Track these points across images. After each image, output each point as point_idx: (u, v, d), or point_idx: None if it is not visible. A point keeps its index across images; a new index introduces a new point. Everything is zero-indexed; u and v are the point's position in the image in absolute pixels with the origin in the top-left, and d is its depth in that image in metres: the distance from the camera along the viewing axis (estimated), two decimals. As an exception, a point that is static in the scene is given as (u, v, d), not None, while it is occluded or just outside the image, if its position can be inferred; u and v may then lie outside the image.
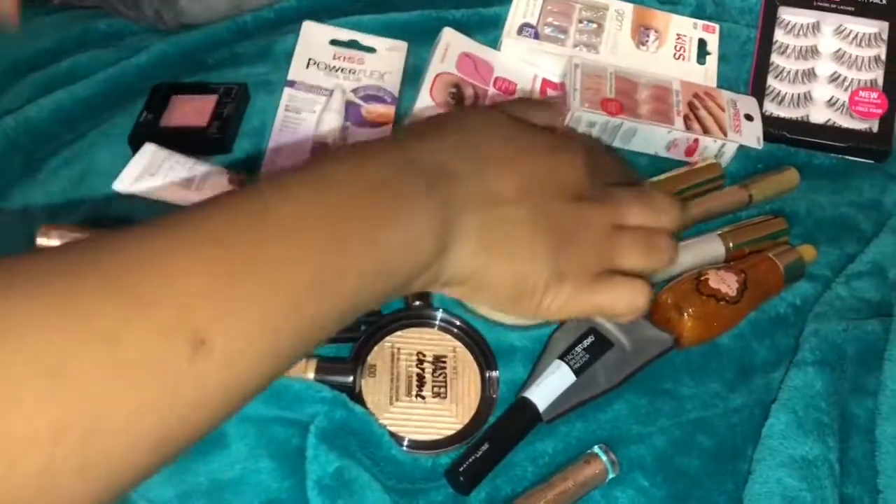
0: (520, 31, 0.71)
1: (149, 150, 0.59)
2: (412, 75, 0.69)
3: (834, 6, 0.74)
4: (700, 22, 0.74)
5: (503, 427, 0.50)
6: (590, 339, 0.53)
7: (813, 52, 0.73)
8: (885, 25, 0.72)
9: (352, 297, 0.37)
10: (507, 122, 0.47)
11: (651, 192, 0.51)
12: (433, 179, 0.41)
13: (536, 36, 0.71)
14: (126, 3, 0.71)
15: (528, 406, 0.50)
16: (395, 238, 0.38)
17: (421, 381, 0.51)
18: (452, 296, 0.47)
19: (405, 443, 0.49)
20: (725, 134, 0.66)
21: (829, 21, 0.74)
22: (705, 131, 0.66)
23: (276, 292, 0.33)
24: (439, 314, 0.54)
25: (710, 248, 0.60)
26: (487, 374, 0.52)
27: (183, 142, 0.61)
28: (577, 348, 0.53)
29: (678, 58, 0.72)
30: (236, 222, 0.34)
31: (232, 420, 0.44)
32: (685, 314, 0.54)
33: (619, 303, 0.46)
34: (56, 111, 0.63)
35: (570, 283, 0.44)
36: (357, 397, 0.50)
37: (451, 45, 0.70)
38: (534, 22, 0.72)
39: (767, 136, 0.69)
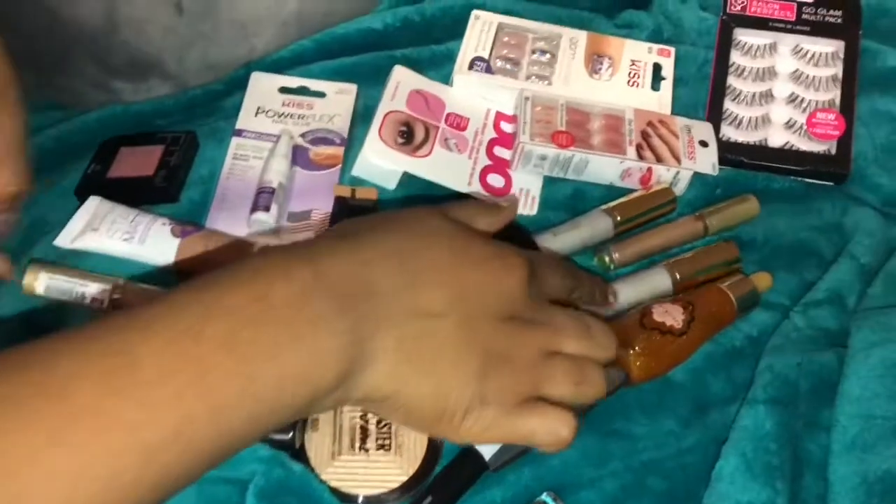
0: (471, 65, 0.70)
1: (92, 204, 0.59)
2: (364, 115, 0.68)
3: (790, 27, 0.73)
4: (655, 46, 0.74)
5: (447, 478, 0.49)
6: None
7: (770, 73, 0.72)
8: (841, 45, 0.72)
9: (225, 438, 0.35)
10: (447, 227, 0.46)
11: (590, 319, 0.49)
12: (347, 300, 0.39)
13: (489, 69, 0.70)
14: (72, 98, 0.72)
15: (474, 455, 0.49)
16: (283, 370, 0.36)
17: (364, 434, 0.50)
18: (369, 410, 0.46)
19: (348, 499, 0.48)
20: (679, 161, 0.65)
21: (787, 41, 0.73)
22: (658, 160, 0.65)
23: (124, 449, 0.32)
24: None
25: (656, 280, 0.59)
26: (433, 423, 0.51)
27: (130, 192, 0.61)
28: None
29: (632, 85, 0.71)
30: (88, 369, 0.32)
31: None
32: (631, 350, 0.53)
33: (544, 433, 0.45)
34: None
35: (494, 408, 0.43)
36: (299, 453, 0.49)
37: (402, 82, 0.69)
38: (486, 55, 0.71)
39: (725, 162, 0.68)
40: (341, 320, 0.38)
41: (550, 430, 0.44)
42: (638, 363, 0.53)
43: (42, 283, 0.54)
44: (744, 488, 0.47)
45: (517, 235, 0.58)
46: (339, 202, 0.62)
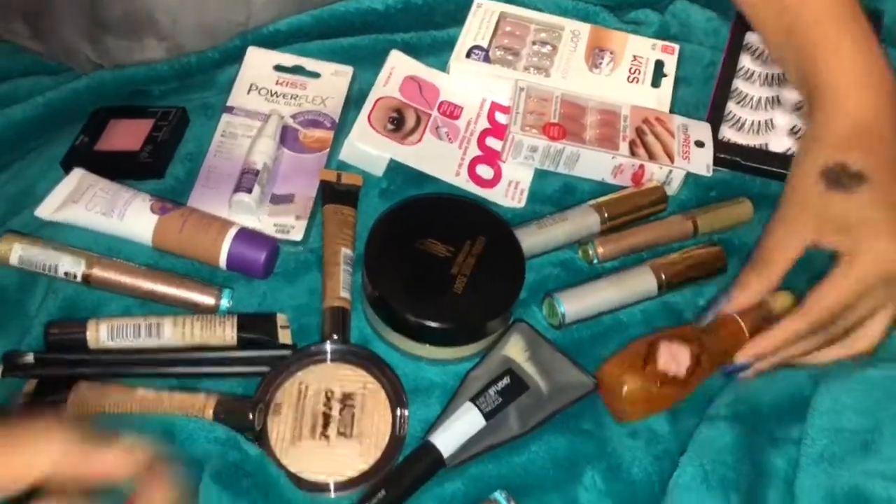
0: (469, 53, 0.69)
1: (76, 175, 0.59)
2: (359, 99, 0.68)
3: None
4: (659, 42, 0.72)
5: (403, 472, 0.48)
6: (504, 382, 0.52)
7: (780, 79, 0.71)
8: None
9: None
10: None
11: None
12: None
13: (487, 59, 0.69)
14: (65, 54, 0.72)
15: (432, 451, 0.48)
16: None
17: (326, 421, 0.50)
18: None
19: (304, 484, 0.48)
20: (673, 160, 0.64)
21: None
22: (651, 157, 0.64)
23: None
24: (353, 350, 0.53)
25: (642, 280, 0.58)
26: (398, 412, 0.51)
27: (115, 166, 0.61)
28: (490, 391, 0.51)
29: (632, 81, 0.69)
30: None
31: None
32: (627, 395, 0.52)
33: None
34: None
35: None
36: (259, 436, 0.49)
37: (397, 68, 0.68)
38: (485, 44, 0.70)
39: (721, 163, 0.66)
40: None
41: None
42: (633, 412, 0.52)
43: (16, 254, 0.54)
44: (699, 497, 0.46)
45: (495, 228, 0.57)
46: (325, 186, 0.62)
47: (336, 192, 0.61)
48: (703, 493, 0.46)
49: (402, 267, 0.54)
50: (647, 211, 0.63)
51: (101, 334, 0.52)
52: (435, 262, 0.54)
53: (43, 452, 0.35)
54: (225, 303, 0.55)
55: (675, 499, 0.47)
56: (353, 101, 0.68)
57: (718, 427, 0.51)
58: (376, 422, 0.51)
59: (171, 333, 0.52)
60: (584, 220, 0.61)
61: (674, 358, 0.53)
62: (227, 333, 0.53)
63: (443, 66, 0.70)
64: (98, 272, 0.54)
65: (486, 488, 0.49)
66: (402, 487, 0.47)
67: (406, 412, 0.51)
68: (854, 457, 0.48)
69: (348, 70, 0.69)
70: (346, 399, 0.51)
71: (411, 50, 0.71)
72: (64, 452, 0.35)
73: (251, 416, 0.48)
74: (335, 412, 0.50)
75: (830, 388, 0.50)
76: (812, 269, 0.61)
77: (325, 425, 0.50)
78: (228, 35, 0.71)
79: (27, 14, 0.71)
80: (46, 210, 0.57)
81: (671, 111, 0.69)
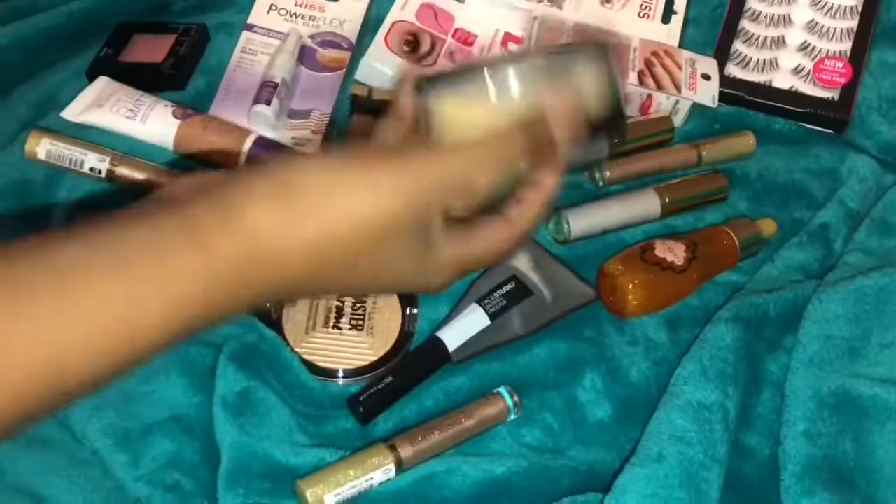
0: (485, -17, 0.71)
1: (100, 83, 0.61)
2: (375, 26, 0.69)
3: (811, -23, 0.72)
4: (671, -20, 0.74)
5: (410, 362, 0.50)
6: (509, 286, 0.54)
7: (786, 20, 0.72)
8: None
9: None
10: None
11: None
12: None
13: (502, -10, 0.71)
14: None
15: (438, 345, 0.50)
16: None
17: (340, 313, 0.52)
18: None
19: (315, 370, 0.50)
20: (679, 91, 0.66)
21: (807, -8, 0.73)
22: (659, 87, 0.66)
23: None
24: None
25: (646, 201, 0.60)
26: (408, 311, 0.53)
27: (138, 77, 0.63)
28: (495, 293, 0.53)
29: (643, 16, 0.71)
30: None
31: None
32: (630, 284, 0.54)
33: None
34: (16, 41, 0.65)
35: None
36: (275, 324, 0.51)
37: (415, -6, 0.70)
38: (501, -25, 0.71)
39: (726, 98, 0.68)
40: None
41: None
42: (635, 298, 0.54)
43: (43, 148, 0.56)
44: (696, 388, 0.48)
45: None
46: (355, 101, 0.63)
47: (365, 107, 0.63)
48: (701, 384, 0.48)
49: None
50: (654, 139, 0.65)
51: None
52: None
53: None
54: (243, 206, 0.57)
55: (673, 391, 0.49)
56: (370, 25, 0.69)
57: (721, 328, 0.52)
58: (387, 318, 0.53)
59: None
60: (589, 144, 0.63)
61: (670, 249, 0.55)
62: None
63: (459, -5, 0.72)
64: (122, 169, 0.56)
65: (489, 384, 0.51)
66: (407, 376, 0.50)
67: (416, 310, 0.53)
68: (842, 361, 0.50)
69: (365, -5, 0.71)
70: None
71: (431, -23, 0.72)
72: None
73: (269, 306, 0.51)
74: (348, 306, 0.52)
75: (823, 298, 0.52)
76: (807, 197, 0.64)
77: (339, 317, 0.52)
78: None
79: None
80: (72, 112, 0.59)
81: (680, 47, 0.70)
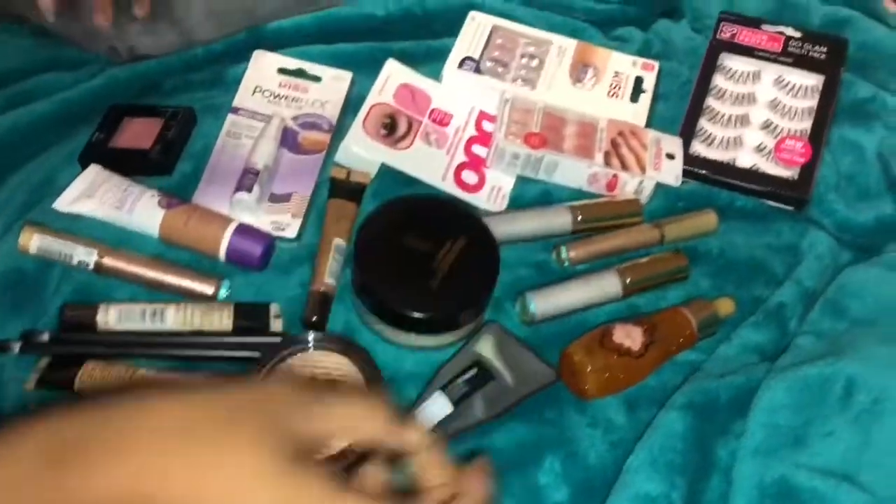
0: (461, 64, 0.74)
1: (91, 171, 0.64)
2: (356, 104, 0.72)
3: (773, 57, 0.75)
4: (640, 60, 0.77)
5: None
6: (472, 372, 0.57)
7: (750, 98, 0.75)
8: (822, 79, 0.74)
9: None
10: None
11: None
12: None
13: (478, 70, 0.74)
14: (84, 36, 0.76)
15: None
16: None
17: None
18: None
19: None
20: (644, 171, 0.69)
21: (770, 71, 0.76)
22: (624, 167, 0.69)
23: None
24: (335, 338, 0.58)
25: (608, 283, 0.63)
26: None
27: (128, 163, 0.66)
28: (458, 380, 0.56)
29: (612, 96, 0.74)
30: None
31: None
32: (588, 368, 0.57)
33: None
34: (15, 126, 0.69)
35: None
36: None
37: (392, 75, 0.73)
38: (476, 56, 0.75)
39: (690, 176, 0.71)
40: None
41: None
42: (593, 383, 0.57)
43: (35, 244, 0.59)
44: (645, 479, 0.51)
45: (475, 229, 0.62)
46: (333, 182, 0.67)
47: (343, 189, 0.67)
48: (650, 475, 0.51)
49: (387, 260, 0.59)
50: (621, 221, 0.68)
51: (110, 317, 0.57)
52: (417, 256, 0.59)
53: (370, 419, 0.39)
54: (223, 292, 0.61)
55: (624, 480, 0.52)
56: (351, 104, 0.73)
57: (672, 416, 0.55)
58: (354, 387, 0.56)
59: (173, 319, 0.58)
60: (556, 219, 0.66)
61: (628, 335, 0.58)
62: (224, 320, 0.58)
63: (437, 74, 0.75)
64: (108, 261, 0.59)
65: (453, 468, 0.55)
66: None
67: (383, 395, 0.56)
68: (786, 450, 0.52)
69: (347, 75, 0.74)
70: (329, 384, 0.56)
71: (408, 57, 0.75)
72: (385, 421, 0.39)
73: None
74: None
75: (771, 385, 0.55)
76: (767, 274, 0.67)
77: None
78: (237, 22, 0.76)
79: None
80: (64, 202, 0.63)
81: (647, 125, 0.73)
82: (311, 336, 0.57)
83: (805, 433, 0.53)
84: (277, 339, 0.58)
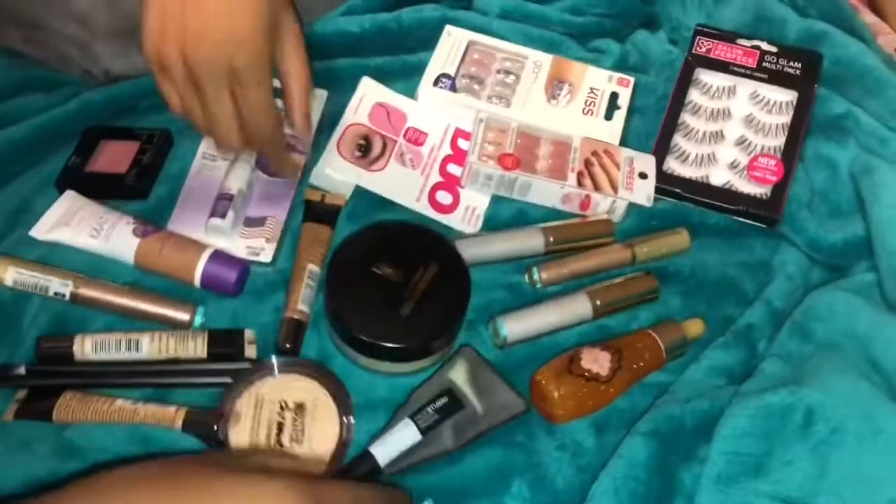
0: (436, 81, 0.74)
1: (67, 198, 0.65)
2: (332, 122, 0.73)
3: (749, 72, 0.76)
4: (616, 75, 0.77)
5: (341, 476, 0.55)
6: (442, 401, 0.58)
7: (725, 114, 0.75)
8: (796, 95, 0.74)
9: None
10: None
11: None
12: None
13: (453, 87, 0.74)
14: (58, 60, 0.76)
15: (369, 459, 0.55)
16: None
17: (280, 429, 0.56)
18: None
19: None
20: (616, 191, 0.69)
21: (746, 86, 0.76)
22: (596, 188, 0.69)
23: None
24: (304, 362, 0.59)
25: (578, 306, 0.64)
26: (344, 420, 0.57)
27: (104, 187, 0.67)
28: (428, 408, 0.57)
29: (587, 113, 0.74)
30: None
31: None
32: (556, 394, 0.58)
33: None
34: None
35: None
36: (221, 445, 0.55)
37: (367, 94, 0.74)
38: (452, 72, 0.75)
39: (663, 193, 0.72)
40: None
41: None
42: (561, 408, 0.58)
43: (10, 276, 0.60)
44: (607, 508, 0.52)
45: (447, 256, 0.62)
46: (308, 205, 0.67)
47: (317, 212, 0.67)
48: (611, 502, 0.53)
49: (359, 288, 0.60)
50: (593, 241, 0.68)
51: (86, 348, 0.58)
52: (389, 284, 0.60)
53: None
54: (199, 319, 0.62)
55: (587, 508, 0.53)
56: (327, 122, 0.73)
57: (636, 442, 0.56)
58: (325, 428, 0.57)
59: (148, 348, 0.59)
60: (529, 241, 0.67)
61: (595, 360, 0.59)
62: (198, 347, 0.59)
63: (412, 90, 0.75)
64: (84, 291, 0.60)
65: (419, 497, 0.56)
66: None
67: (352, 419, 0.57)
68: (747, 478, 0.54)
69: (323, 93, 0.75)
70: (298, 408, 0.57)
71: (383, 74, 0.76)
72: None
73: (215, 427, 0.55)
74: (288, 421, 0.57)
75: (733, 413, 0.56)
76: (737, 293, 0.68)
77: (280, 433, 0.56)
78: None
79: (19, 19, 0.76)
80: (40, 231, 0.63)
81: (622, 141, 0.74)
82: (275, 361, 0.58)
83: (766, 461, 0.54)
84: (247, 365, 0.59)
